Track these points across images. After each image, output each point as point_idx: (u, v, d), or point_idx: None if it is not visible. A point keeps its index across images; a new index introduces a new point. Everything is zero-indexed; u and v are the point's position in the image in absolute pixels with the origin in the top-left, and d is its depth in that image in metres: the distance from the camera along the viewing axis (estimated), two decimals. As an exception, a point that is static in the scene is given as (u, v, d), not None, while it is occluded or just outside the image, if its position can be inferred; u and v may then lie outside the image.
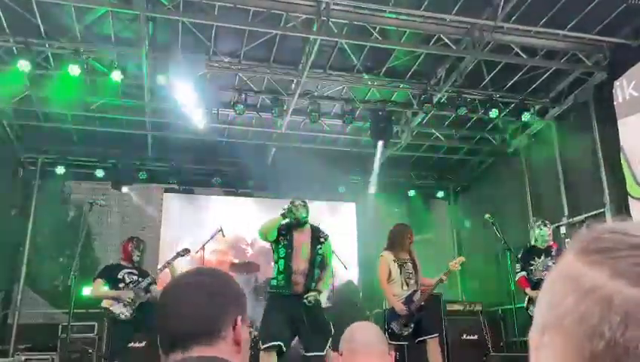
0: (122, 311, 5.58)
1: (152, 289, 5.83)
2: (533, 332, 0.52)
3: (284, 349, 4.57)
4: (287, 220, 4.88)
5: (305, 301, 4.68)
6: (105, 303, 5.69)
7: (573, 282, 0.48)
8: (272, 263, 5.04)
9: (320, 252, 4.94)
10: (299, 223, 4.94)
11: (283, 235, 4.90)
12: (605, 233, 0.50)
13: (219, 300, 1.20)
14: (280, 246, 4.89)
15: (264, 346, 4.54)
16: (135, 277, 5.82)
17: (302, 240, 4.93)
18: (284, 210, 4.89)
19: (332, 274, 5.30)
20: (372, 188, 9.99)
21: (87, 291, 6.10)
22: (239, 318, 1.20)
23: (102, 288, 5.70)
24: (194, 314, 1.17)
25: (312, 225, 5.08)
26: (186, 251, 6.30)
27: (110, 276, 5.80)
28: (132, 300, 5.62)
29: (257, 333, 6.58)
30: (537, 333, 0.50)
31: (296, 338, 4.89)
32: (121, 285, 5.72)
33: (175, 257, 6.04)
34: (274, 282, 4.90)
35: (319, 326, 4.73)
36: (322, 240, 5.01)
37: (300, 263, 4.84)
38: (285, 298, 4.76)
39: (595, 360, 0.43)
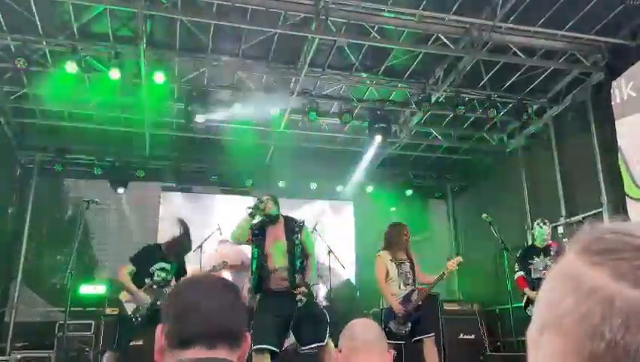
0: (134, 314, 5.39)
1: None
2: (532, 331, 0.51)
3: (277, 350, 4.39)
4: (257, 218, 4.69)
5: (297, 300, 4.47)
6: (122, 295, 5.53)
7: (573, 282, 0.48)
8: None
9: (297, 242, 4.68)
10: (271, 219, 4.74)
11: (256, 235, 4.71)
12: (608, 233, 0.49)
13: (244, 307, 1.19)
14: (254, 246, 4.71)
15: (255, 347, 4.36)
16: (164, 275, 5.53)
17: (276, 235, 4.71)
18: (250, 208, 4.71)
19: (317, 262, 5.01)
20: (351, 184, 9.99)
21: (121, 274, 5.56)
22: (248, 334, 1.17)
23: (127, 277, 5.42)
24: (227, 312, 1.13)
25: (285, 217, 4.87)
26: (225, 264, 6.01)
27: (143, 265, 5.52)
28: (151, 303, 5.40)
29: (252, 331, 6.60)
30: (536, 332, 0.50)
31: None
32: (147, 280, 5.47)
33: (213, 270, 5.85)
34: (252, 282, 4.73)
35: (315, 317, 4.54)
36: (297, 229, 4.75)
37: (278, 260, 4.62)
38: (272, 297, 4.58)
39: (595, 361, 0.43)
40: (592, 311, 0.45)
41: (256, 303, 4.79)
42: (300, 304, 4.47)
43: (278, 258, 4.63)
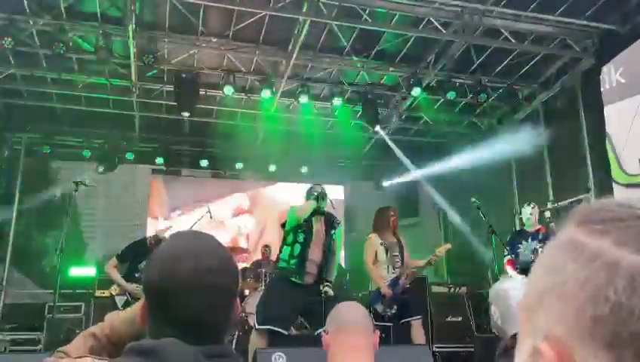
0: (124, 307, 5.43)
1: None
2: (527, 301, 0.52)
3: (285, 333, 4.46)
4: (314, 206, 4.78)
5: (322, 294, 4.55)
6: (113, 289, 5.55)
7: (576, 249, 0.48)
8: (283, 245, 4.82)
9: (333, 238, 4.86)
10: (319, 212, 4.86)
11: (307, 221, 4.77)
12: (609, 205, 0.50)
13: (234, 273, 1.10)
14: (299, 230, 4.73)
15: (259, 326, 4.43)
16: None
17: (319, 228, 4.85)
18: (315, 193, 4.79)
19: (338, 261, 5.12)
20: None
21: (109, 268, 5.69)
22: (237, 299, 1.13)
23: (114, 270, 5.52)
24: (221, 315, 1.06)
25: (327, 212, 4.98)
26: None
27: (132, 261, 5.60)
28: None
29: (246, 313, 6.65)
30: (534, 298, 0.51)
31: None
32: (137, 274, 5.53)
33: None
34: (283, 264, 4.72)
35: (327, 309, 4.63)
36: (336, 225, 4.93)
37: (316, 252, 4.74)
38: (295, 286, 4.62)
39: (597, 324, 0.44)
40: (596, 274, 0.45)
41: (271, 283, 4.85)
42: (324, 296, 4.55)
43: (316, 250, 4.74)
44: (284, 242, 4.84)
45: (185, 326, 0.99)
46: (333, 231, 4.88)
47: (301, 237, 4.72)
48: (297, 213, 4.77)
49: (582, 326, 0.45)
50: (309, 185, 5.18)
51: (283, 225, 4.93)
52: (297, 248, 4.70)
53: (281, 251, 4.83)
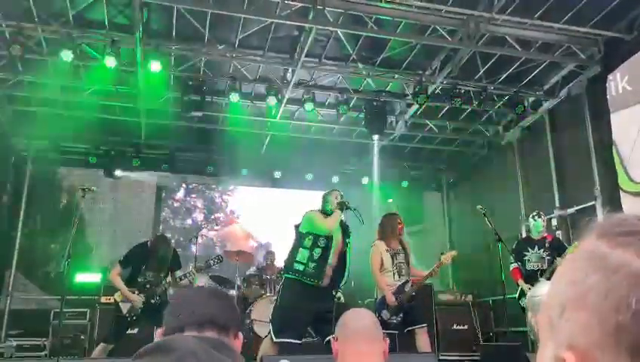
0: (130, 312, 5.45)
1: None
2: (548, 314, 0.52)
3: (298, 342, 4.51)
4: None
5: (336, 298, 4.62)
6: (117, 295, 5.55)
7: (598, 261, 0.49)
8: (298, 247, 4.77)
9: (348, 245, 4.91)
10: (340, 222, 4.93)
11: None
12: (630, 219, 0.51)
13: (234, 310, 1.36)
14: (321, 236, 4.74)
15: (276, 339, 4.43)
16: (152, 279, 5.60)
17: (339, 236, 4.89)
18: (342, 203, 4.84)
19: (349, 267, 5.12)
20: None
21: (112, 276, 5.69)
22: (240, 334, 1.33)
23: (118, 278, 5.52)
24: (223, 308, 1.30)
25: (341, 221, 5.01)
26: (219, 258, 6.21)
27: (134, 266, 5.59)
28: (143, 304, 5.47)
29: (252, 320, 6.64)
30: (556, 310, 0.51)
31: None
32: (140, 279, 5.54)
33: (208, 265, 6.01)
34: (299, 267, 4.64)
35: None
36: (349, 232, 4.99)
37: (336, 259, 4.79)
38: (308, 288, 4.62)
39: (620, 332, 0.45)
40: (619, 284, 0.46)
41: (284, 290, 4.81)
42: (337, 301, 4.64)
43: (335, 256, 4.78)
44: (299, 245, 4.77)
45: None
46: (348, 239, 4.92)
47: (322, 243, 4.71)
48: (320, 223, 4.75)
49: (605, 334, 0.46)
50: (312, 192, 5.21)
51: (297, 227, 4.91)
52: (318, 252, 4.68)
53: (295, 254, 4.76)
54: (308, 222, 4.81)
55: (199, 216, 10.77)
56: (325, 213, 4.90)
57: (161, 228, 10.26)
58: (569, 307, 0.50)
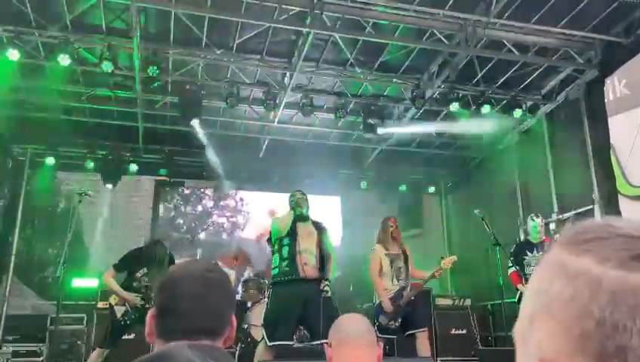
0: (124, 316, 5.41)
1: None
2: (520, 325, 0.53)
3: (290, 343, 4.63)
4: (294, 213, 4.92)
5: (323, 292, 4.62)
6: (112, 299, 5.55)
7: (560, 269, 0.49)
8: (273, 256, 4.93)
9: (324, 240, 4.94)
10: (302, 218, 4.95)
11: (292, 228, 4.90)
12: (590, 226, 0.51)
13: (229, 300, 1.30)
14: (284, 237, 4.85)
15: (270, 344, 4.51)
16: (148, 284, 5.56)
17: (307, 229, 4.95)
18: (291, 202, 4.95)
19: (335, 260, 5.15)
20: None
21: (106, 279, 5.65)
22: (233, 316, 1.29)
23: (112, 281, 5.50)
24: (212, 314, 1.24)
25: (312, 220, 5.09)
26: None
27: (129, 270, 5.58)
28: (141, 306, 5.43)
29: (249, 324, 6.61)
30: (525, 323, 0.51)
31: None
32: (135, 284, 5.51)
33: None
34: (275, 271, 4.81)
35: (334, 316, 4.65)
36: (323, 228, 5.05)
37: (307, 243, 4.82)
38: (292, 284, 4.69)
39: (585, 339, 0.45)
40: (580, 292, 0.46)
41: (271, 296, 4.91)
42: (325, 294, 4.63)
43: (305, 244, 4.83)
44: (273, 254, 4.95)
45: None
46: (324, 234, 4.98)
47: (286, 241, 4.83)
48: (279, 226, 4.89)
49: (572, 343, 0.46)
50: (311, 197, 5.21)
51: (269, 241, 5.04)
52: (285, 250, 4.80)
53: (272, 264, 4.95)
54: (272, 230, 4.98)
55: (209, 203, 10.72)
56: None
57: (172, 214, 10.18)
58: (536, 317, 0.50)
